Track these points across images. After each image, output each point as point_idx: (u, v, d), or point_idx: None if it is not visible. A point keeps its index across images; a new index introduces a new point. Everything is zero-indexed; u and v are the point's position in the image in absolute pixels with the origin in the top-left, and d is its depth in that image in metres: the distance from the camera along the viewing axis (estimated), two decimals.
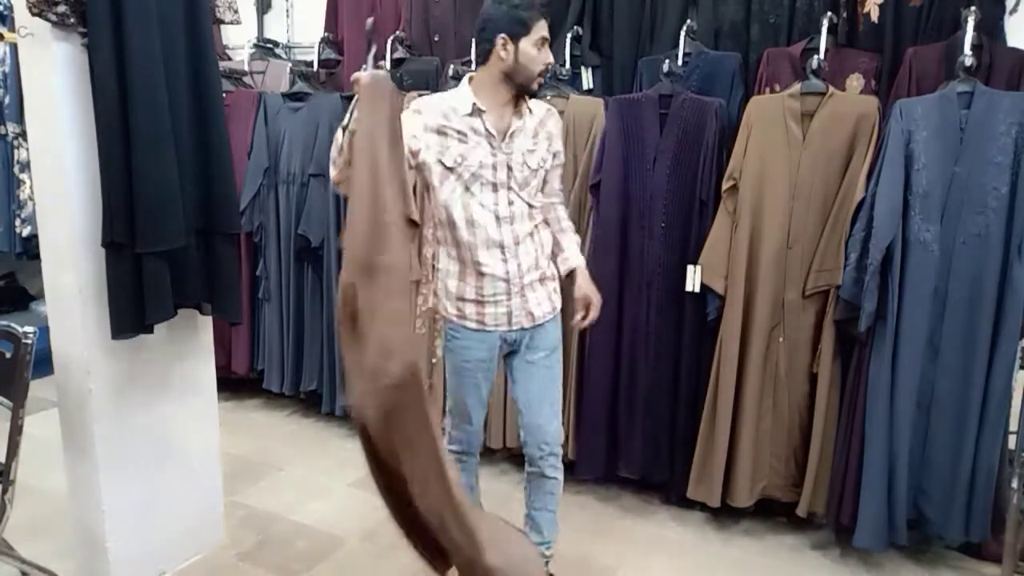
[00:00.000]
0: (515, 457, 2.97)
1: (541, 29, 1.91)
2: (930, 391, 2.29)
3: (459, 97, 1.96)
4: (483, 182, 1.95)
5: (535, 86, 1.96)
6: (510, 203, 1.98)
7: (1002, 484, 2.25)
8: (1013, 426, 2.25)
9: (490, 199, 1.96)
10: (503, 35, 1.89)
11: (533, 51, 1.90)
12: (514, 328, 2.04)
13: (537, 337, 2.07)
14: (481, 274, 1.99)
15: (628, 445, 2.74)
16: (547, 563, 2.22)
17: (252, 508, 2.74)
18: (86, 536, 2.19)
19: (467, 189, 1.95)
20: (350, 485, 2.92)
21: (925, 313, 2.26)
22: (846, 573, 2.41)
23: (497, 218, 1.96)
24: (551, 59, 1.96)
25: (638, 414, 2.71)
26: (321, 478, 2.97)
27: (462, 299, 2.02)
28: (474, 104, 1.94)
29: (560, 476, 2.16)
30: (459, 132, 1.94)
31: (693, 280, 2.55)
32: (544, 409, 2.08)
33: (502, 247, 1.97)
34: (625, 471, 2.77)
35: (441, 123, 1.94)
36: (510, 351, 2.10)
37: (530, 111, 2.02)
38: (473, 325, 2.03)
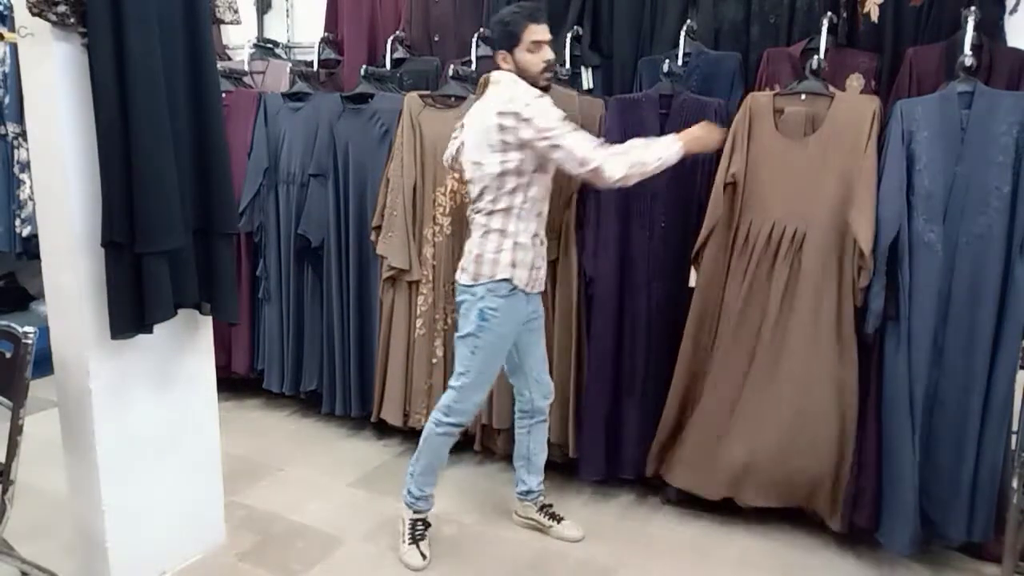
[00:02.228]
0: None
1: (534, 33, 2.17)
2: (933, 391, 2.29)
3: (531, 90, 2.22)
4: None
5: (542, 82, 2.22)
6: None
7: (1005, 484, 2.25)
8: (1015, 426, 2.25)
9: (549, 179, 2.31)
10: (501, 51, 2.23)
11: (527, 55, 2.19)
12: (540, 291, 2.38)
13: (538, 302, 2.40)
14: (542, 242, 2.33)
15: (628, 445, 2.74)
16: (543, 496, 2.60)
17: (252, 508, 2.74)
18: (86, 536, 2.19)
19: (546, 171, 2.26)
20: (350, 485, 2.92)
21: (929, 314, 2.26)
22: (846, 572, 2.41)
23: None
24: (551, 56, 2.22)
25: (638, 414, 2.71)
26: (321, 478, 2.97)
27: (533, 267, 2.30)
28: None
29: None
30: None
31: (696, 277, 2.56)
32: (546, 366, 2.50)
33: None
34: (625, 471, 2.77)
35: None
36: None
37: None
38: (534, 290, 2.34)
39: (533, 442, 2.53)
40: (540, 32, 2.19)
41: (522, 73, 2.21)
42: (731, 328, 2.49)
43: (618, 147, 2.18)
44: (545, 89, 2.23)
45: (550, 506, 2.59)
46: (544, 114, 2.13)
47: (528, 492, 2.58)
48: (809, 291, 2.37)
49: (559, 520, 2.56)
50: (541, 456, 2.56)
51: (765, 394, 2.45)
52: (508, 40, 2.20)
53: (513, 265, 2.26)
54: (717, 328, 2.53)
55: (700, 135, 2.26)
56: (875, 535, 2.38)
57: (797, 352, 2.39)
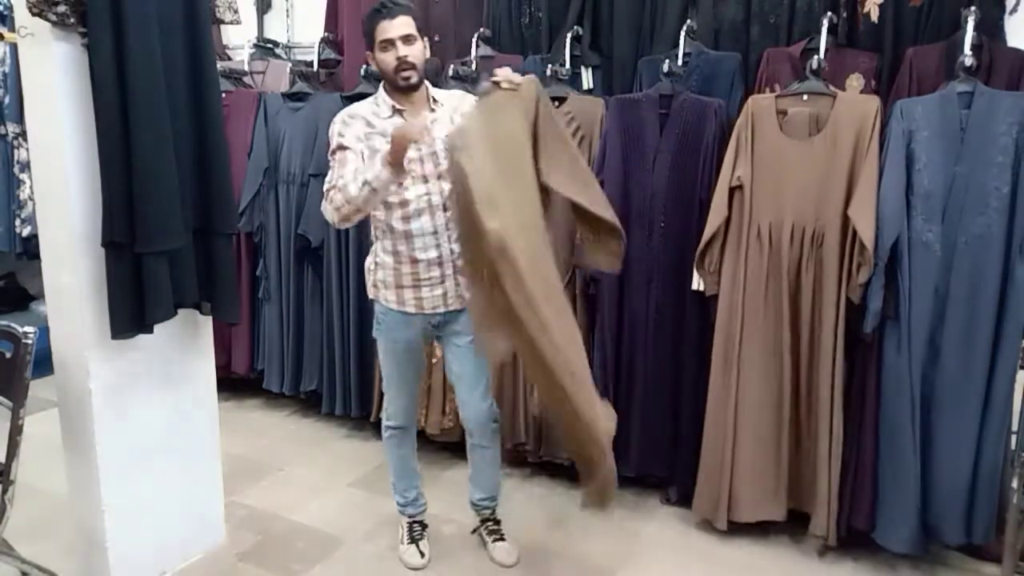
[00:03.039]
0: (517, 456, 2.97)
1: (383, 32, 2.07)
2: (931, 391, 2.29)
3: (379, 103, 2.18)
4: (414, 176, 2.11)
5: (400, 82, 2.11)
6: (441, 191, 2.13)
7: (1005, 485, 2.25)
8: (1014, 426, 2.25)
9: (422, 189, 2.13)
10: (367, 52, 2.16)
11: (381, 54, 2.10)
12: (450, 309, 2.22)
13: (464, 322, 2.23)
14: (416, 260, 2.17)
15: (628, 444, 2.73)
16: (493, 512, 2.50)
17: (252, 508, 2.74)
18: (86, 536, 2.19)
19: (400, 185, 2.08)
20: (350, 485, 2.92)
21: (926, 313, 2.26)
22: (846, 572, 2.41)
23: (431, 206, 2.14)
24: (402, 52, 2.07)
25: (638, 413, 2.72)
26: (321, 478, 2.97)
27: (401, 287, 2.20)
28: (393, 106, 2.15)
29: (495, 446, 2.41)
30: (384, 135, 2.09)
31: (699, 279, 2.55)
32: (478, 389, 2.30)
33: (435, 233, 2.15)
34: (625, 470, 2.76)
35: (366, 131, 2.13)
36: (437, 335, 2.32)
37: (440, 103, 2.20)
38: (412, 310, 2.22)
39: (474, 460, 2.43)
40: (391, 29, 2.06)
41: (382, 74, 2.13)
42: (762, 335, 2.44)
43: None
44: (408, 89, 2.12)
45: (493, 522, 2.50)
46: (333, 135, 2.12)
47: (472, 504, 2.51)
48: (831, 290, 2.35)
49: (496, 540, 2.47)
50: (482, 476, 2.44)
51: (809, 403, 2.43)
52: (367, 40, 2.13)
53: (375, 286, 2.27)
54: (741, 336, 2.45)
55: (396, 133, 1.94)
56: (871, 535, 2.38)
57: (826, 354, 2.37)
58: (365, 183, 1.96)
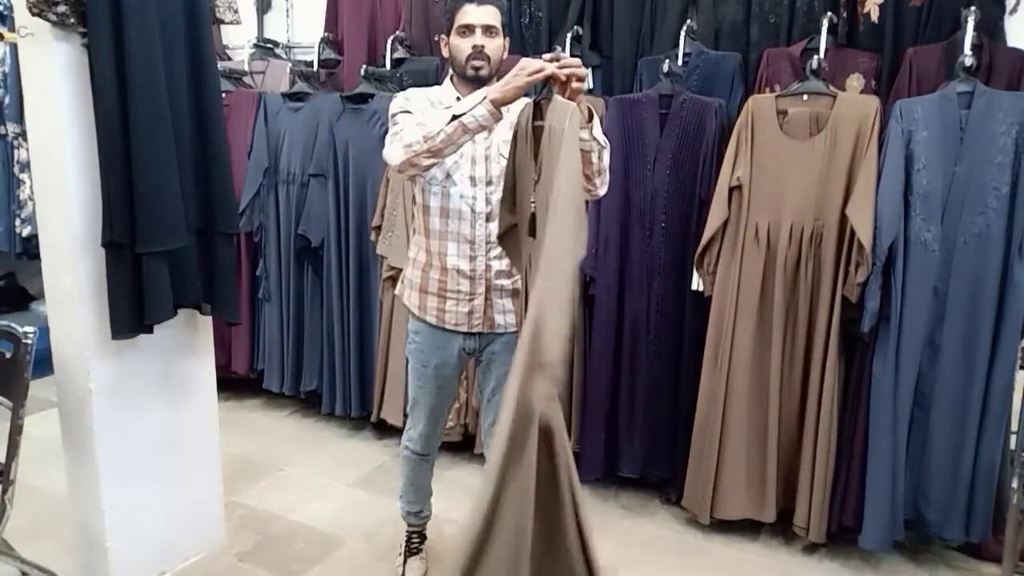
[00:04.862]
0: None
1: (464, 15, 1.90)
2: (930, 391, 2.29)
3: (443, 91, 2.00)
4: (463, 174, 1.93)
5: (469, 72, 1.92)
6: (487, 200, 1.93)
7: (1003, 484, 2.26)
8: (1014, 426, 2.25)
9: (469, 192, 1.94)
10: (441, 35, 2.00)
11: (457, 39, 1.92)
12: (473, 330, 1.99)
13: (506, 355, 1.95)
14: (445, 268, 1.97)
15: (628, 444, 2.74)
16: None
17: (252, 508, 2.74)
18: (86, 536, 2.19)
19: (448, 176, 1.93)
20: (350, 485, 2.92)
21: (925, 313, 2.26)
22: (847, 572, 2.41)
23: (473, 212, 1.94)
24: (479, 41, 1.89)
25: (638, 413, 2.72)
26: (321, 478, 2.97)
27: (425, 291, 2.01)
28: (457, 97, 1.92)
29: None
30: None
31: (698, 279, 2.55)
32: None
33: (472, 243, 1.95)
34: (625, 470, 2.77)
35: (430, 109, 1.92)
36: (476, 361, 2.08)
37: (507, 107, 1.79)
38: (432, 320, 2.01)
39: None
40: (475, 15, 1.89)
41: (453, 61, 1.95)
42: (754, 333, 2.43)
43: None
44: (476, 81, 1.90)
45: None
46: (395, 108, 1.92)
47: None
48: (828, 289, 2.36)
49: None
50: None
51: (799, 399, 2.43)
52: (446, 21, 1.96)
53: (402, 282, 2.09)
54: (733, 334, 2.46)
55: (508, 77, 1.66)
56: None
57: (820, 353, 2.37)
58: (455, 117, 1.69)
